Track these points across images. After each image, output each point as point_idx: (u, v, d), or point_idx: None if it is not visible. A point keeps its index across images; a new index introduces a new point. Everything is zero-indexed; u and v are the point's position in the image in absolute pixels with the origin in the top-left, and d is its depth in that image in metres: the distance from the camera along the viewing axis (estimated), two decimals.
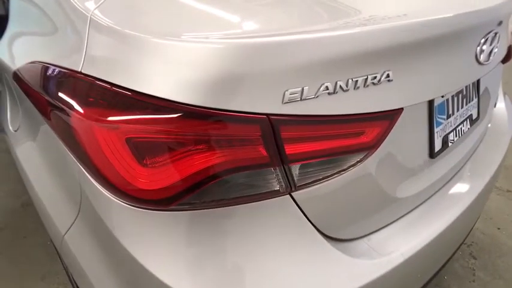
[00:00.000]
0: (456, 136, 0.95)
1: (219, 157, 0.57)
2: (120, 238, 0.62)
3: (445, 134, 0.90)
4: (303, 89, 0.57)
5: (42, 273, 1.51)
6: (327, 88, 0.59)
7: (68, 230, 0.79)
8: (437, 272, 1.00)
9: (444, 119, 0.89)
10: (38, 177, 0.90)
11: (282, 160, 0.59)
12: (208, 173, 0.57)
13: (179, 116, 0.55)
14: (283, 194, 0.62)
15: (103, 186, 0.62)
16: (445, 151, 0.90)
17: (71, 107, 0.62)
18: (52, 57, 0.74)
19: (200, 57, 0.54)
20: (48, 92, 0.70)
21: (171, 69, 0.55)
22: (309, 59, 0.56)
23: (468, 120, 1.01)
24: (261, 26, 0.63)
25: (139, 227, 0.61)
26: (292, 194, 0.63)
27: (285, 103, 0.56)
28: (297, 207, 0.65)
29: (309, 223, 0.67)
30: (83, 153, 0.62)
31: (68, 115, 0.63)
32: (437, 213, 0.89)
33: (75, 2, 0.71)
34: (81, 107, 0.61)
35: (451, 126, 0.92)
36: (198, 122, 0.55)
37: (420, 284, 0.94)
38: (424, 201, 0.90)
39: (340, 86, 0.60)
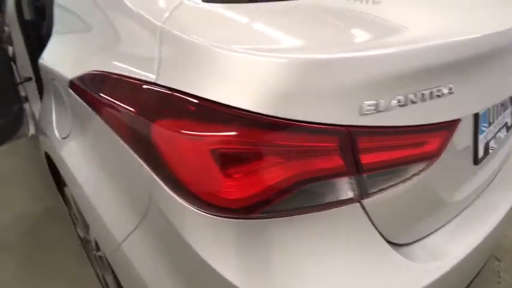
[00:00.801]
0: (496, 143, 0.98)
1: (300, 167, 0.59)
2: (196, 248, 0.63)
3: (486, 141, 0.93)
4: (378, 102, 0.60)
5: (72, 278, 1.52)
6: (399, 101, 0.61)
7: (126, 238, 0.81)
8: (477, 274, 1.04)
9: (486, 127, 0.92)
10: (91, 185, 0.91)
11: (358, 169, 0.62)
12: (289, 182, 0.59)
13: (262, 127, 0.57)
14: (354, 201, 0.65)
15: (182, 197, 0.63)
16: (486, 158, 0.94)
17: (151, 119, 0.64)
18: (118, 68, 0.76)
19: (282, 70, 0.56)
20: (120, 102, 0.72)
21: (252, 81, 0.57)
22: (384, 73, 0.59)
23: (504, 127, 1.04)
24: (338, 40, 0.66)
25: (217, 235, 0.63)
26: (362, 201, 0.66)
27: (362, 115, 0.59)
28: (365, 214, 0.67)
29: (375, 229, 0.69)
30: (162, 164, 0.64)
31: (147, 126, 0.65)
32: (481, 217, 0.92)
33: (143, 12, 0.73)
34: (163, 119, 0.63)
35: (491, 133, 0.95)
36: (280, 133, 0.58)
37: (464, 285, 0.98)
38: (467, 206, 0.93)
39: (410, 98, 0.63)
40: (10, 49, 1.69)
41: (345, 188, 0.63)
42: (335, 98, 0.58)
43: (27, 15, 1.63)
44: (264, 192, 0.59)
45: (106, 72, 0.78)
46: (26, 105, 1.76)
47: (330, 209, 0.64)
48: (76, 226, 1.45)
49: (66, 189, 1.29)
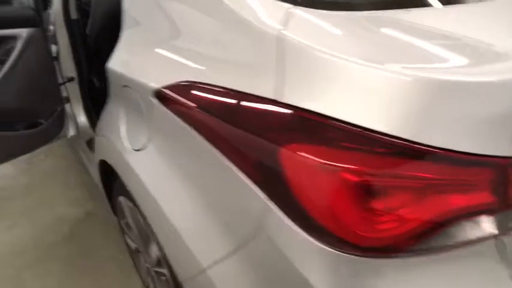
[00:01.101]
0: None
1: (451, 203, 0.54)
2: (314, 283, 0.57)
3: None
4: None
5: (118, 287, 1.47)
6: None
7: (214, 264, 0.75)
8: None
9: None
10: (173, 202, 0.85)
11: (506, 204, 0.56)
12: (439, 219, 0.54)
13: (410, 157, 0.52)
14: (496, 238, 0.59)
15: (306, 230, 0.57)
16: None
17: (275, 142, 0.58)
18: (222, 80, 0.69)
19: (433, 93, 0.51)
20: (230, 120, 0.66)
21: (395, 102, 0.52)
22: None
23: None
24: (475, 64, 0.60)
25: (345, 273, 0.57)
26: (500, 237, 0.60)
27: None
28: (498, 251, 0.62)
29: (505, 266, 0.64)
30: (285, 193, 0.58)
31: (268, 150, 0.59)
32: None
33: (251, 18, 0.67)
34: (291, 143, 0.57)
35: None
36: (429, 164, 0.52)
37: None
38: None
39: None
40: (54, 48, 1.63)
41: (491, 224, 0.57)
42: (486, 126, 0.53)
43: (74, 15, 1.58)
44: (409, 231, 0.54)
45: (208, 84, 0.71)
46: (67, 106, 1.70)
47: (469, 246, 0.58)
48: (126, 235, 1.40)
49: (121, 198, 1.23)
